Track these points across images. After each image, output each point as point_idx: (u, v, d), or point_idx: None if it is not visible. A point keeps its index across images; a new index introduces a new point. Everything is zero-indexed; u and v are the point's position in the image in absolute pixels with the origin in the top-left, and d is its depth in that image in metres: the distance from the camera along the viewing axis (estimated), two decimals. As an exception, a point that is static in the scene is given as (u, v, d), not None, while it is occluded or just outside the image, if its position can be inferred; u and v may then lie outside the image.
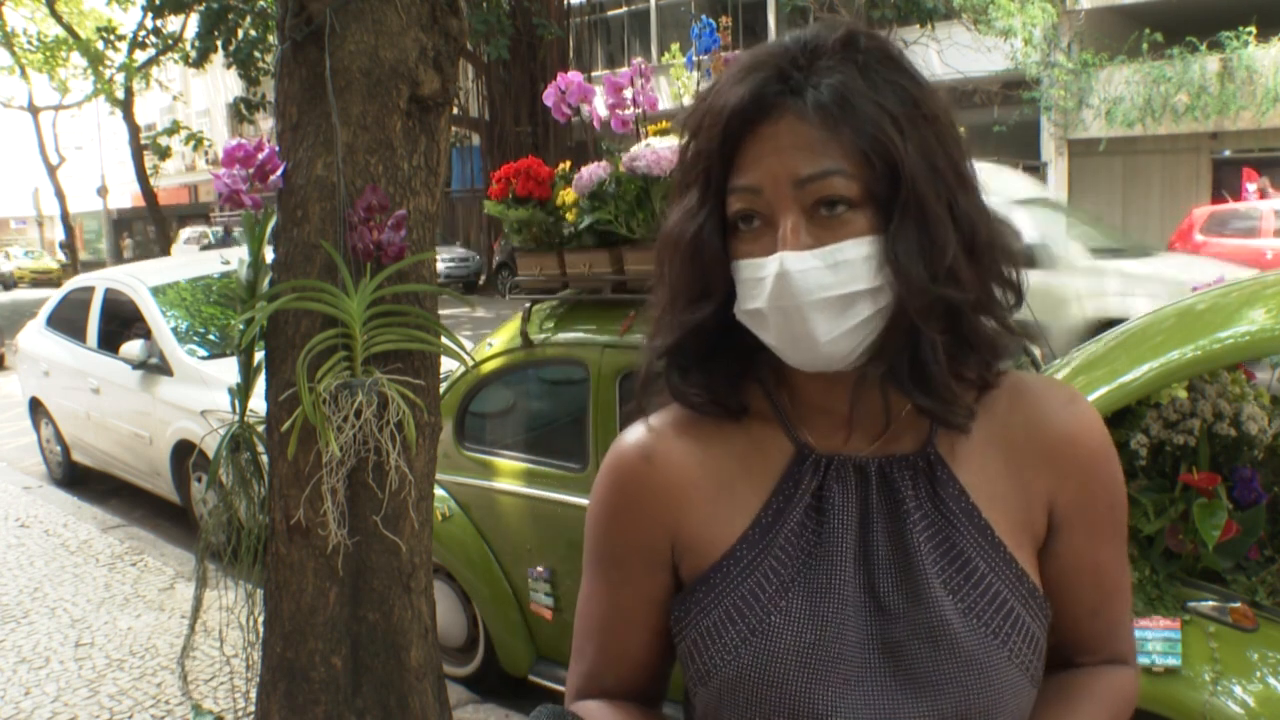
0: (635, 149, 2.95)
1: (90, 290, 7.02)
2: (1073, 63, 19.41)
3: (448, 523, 3.69)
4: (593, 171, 3.07)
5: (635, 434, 0.98)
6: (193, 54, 18.32)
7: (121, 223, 41.85)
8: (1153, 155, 19.67)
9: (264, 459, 2.67)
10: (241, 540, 2.64)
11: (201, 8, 17.53)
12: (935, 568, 0.89)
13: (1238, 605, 2.19)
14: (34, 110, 31.88)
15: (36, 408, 7.73)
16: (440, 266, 5.18)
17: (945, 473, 0.92)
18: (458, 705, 3.53)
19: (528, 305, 3.53)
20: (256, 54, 17.61)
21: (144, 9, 19.20)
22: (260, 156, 2.42)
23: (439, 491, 3.64)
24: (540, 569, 3.44)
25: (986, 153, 18.87)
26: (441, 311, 2.73)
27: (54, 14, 24.83)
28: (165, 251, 23.99)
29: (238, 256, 2.69)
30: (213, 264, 6.67)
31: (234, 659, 3.24)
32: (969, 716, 0.86)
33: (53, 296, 7.83)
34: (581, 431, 3.33)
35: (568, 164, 3.30)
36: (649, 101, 2.98)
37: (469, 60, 20.07)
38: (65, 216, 33.84)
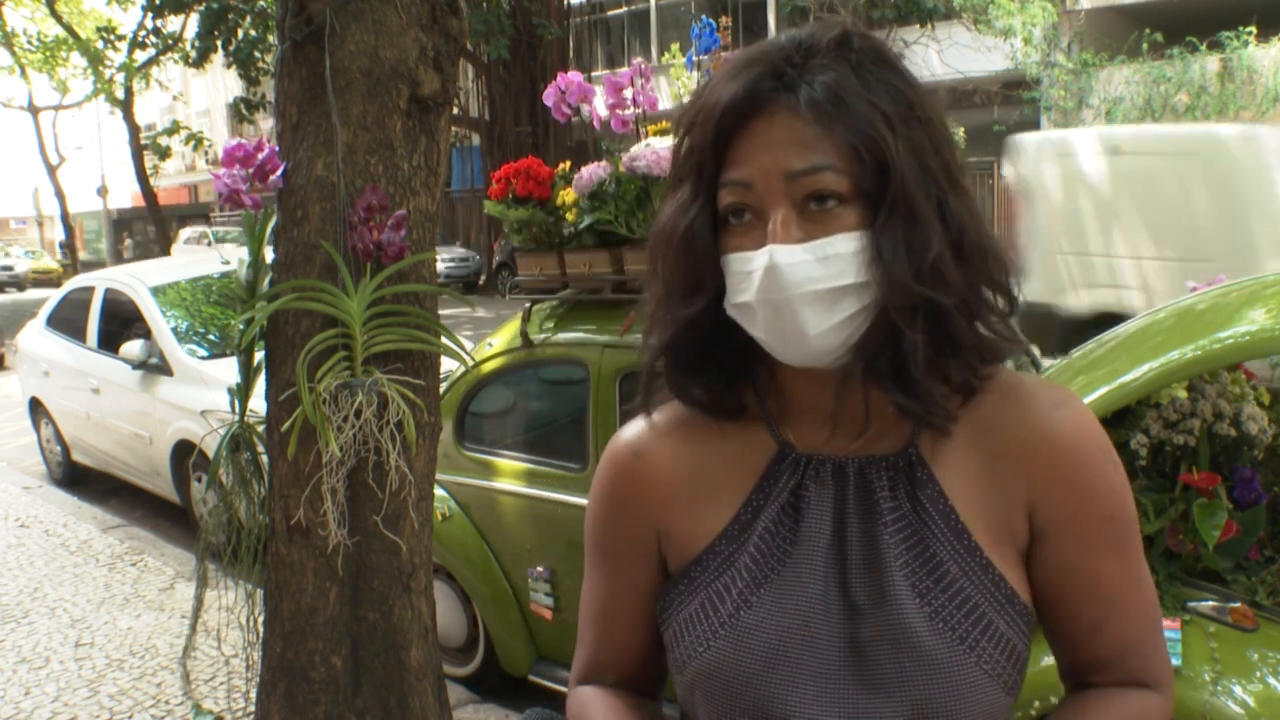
0: (635, 149, 2.95)
1: (90, 290, 7.02)
2: (1073, 63, 19.42)
3: (448, 523, 3.69)
4: (593, 171, 3.07)
5: (628, 431, 1.02)
6: (193, 54, 18.31)
7: (121, 223, 41.84)
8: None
9: (264, 459, 2.67)
10: (241, 540, 2.64)
11: (201, 8, 17.52)
12: (904, 569, 0.88)
13: (1238, 605, 2.19)
14: (34, 110, 31.88)
15: (36, 408, 7.73)
16: (440, 266, 5.18)
17: (925, 474, 0.91)
18: (458, 705, 3.53)
19: (528, 305, 3.53)
20: (256, 54, 17.60)
21: (144, 9, 19.19)
22: (260, 156, 2.42)
23: (439, 491, 3.64)
24: (540, 569, 3.44)
25: (986, 153, 18.92)
26: (441, 311, 2.73)
27: (54, 14, 24.82)
28: (165, 251, 23.99)
29: (238, 256, 2.69)
30: (213, 264, 6.67)
31: (234, 659, 3.24)
32: (930, 719, 0.85)
33: (53, 296, 7.83)
34: (581, 431, 3.33)
35: (568, 164, 3.30)
36: (649, 101, 2.98)
37: (469, 60, 20.07)
38: (65, 216, 33.84)
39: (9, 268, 32.47)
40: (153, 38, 22.36)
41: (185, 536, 5.85)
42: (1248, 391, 2.57)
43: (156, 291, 6.28)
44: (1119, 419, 2.49)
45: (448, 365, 2.92)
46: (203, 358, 5.87)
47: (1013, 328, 0.92)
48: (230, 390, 2.74)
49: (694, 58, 3.17)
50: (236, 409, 2.68)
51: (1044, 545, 0.92)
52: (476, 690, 3.80)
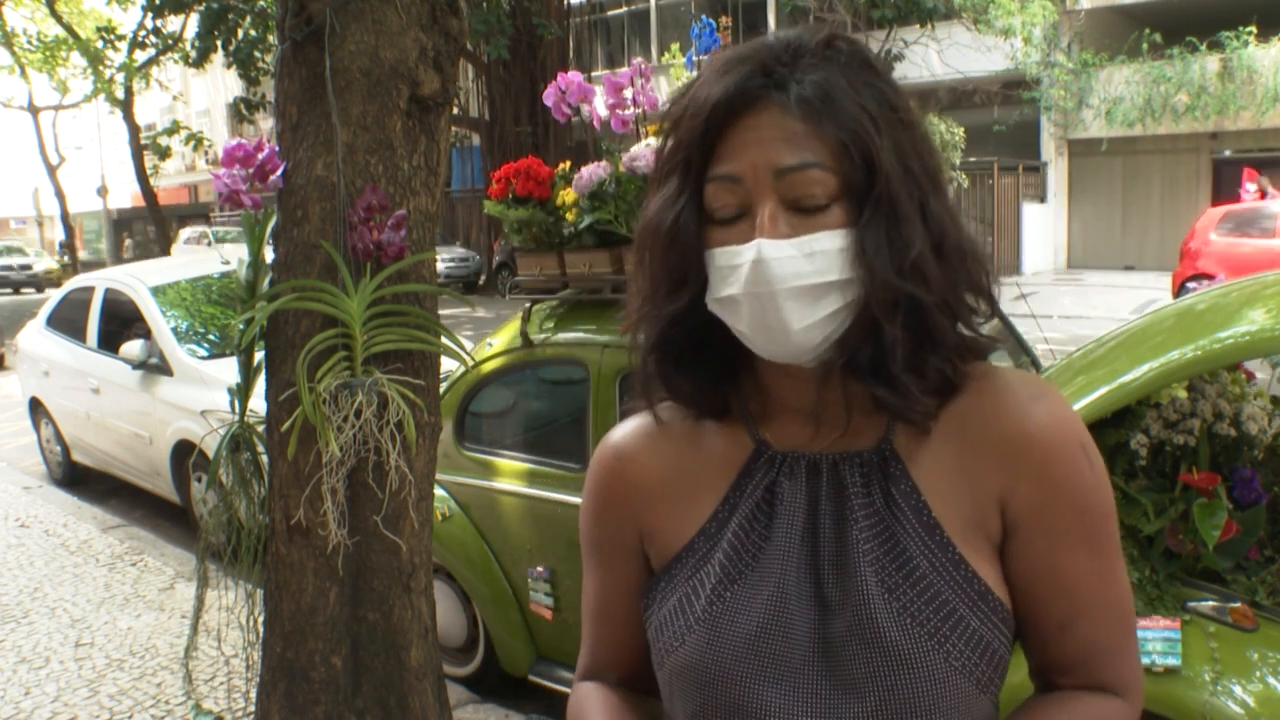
0: (635, 149, 2.95)
1: (90, 290, 7.02)
2: (1073, 63, 19.42)
3: (448, 523, 3.69)
4: (593, 171, 3.07)
5: (614, 434, 1.05)
6: (193, 54, 18.32)
7: (121, 223, 41.82)
8: (1153, 155, 19.67)
9: (264, 459, 2.67)
10: (241, 540, 2.64)
11: (201, 8, 17.53)
12: (874, 566, 0.88)
13: (1238, 605, 2.19)
14: (34, 110, 31.88)
15: (36, 408, 7.73)
16: (440, 266, 5.18)
17: (899, 469, 0.91)
18: (458, 705, 3.53)
19: (528, 305, 3.53)
20: (256, 54, 17.60)
21: (144, 9, 19.20)
22: (260, 156, 2.42)
23: (439, 491, 3.64)
24: (540, 569, 3.44)
25: (986, 153, 18.92)
26: (441, 311, 2.73)
27: (54, 14, 24.82)
28: (165, 251, 23.97)
29: (238, 256, 2.69)
30: (213, 264, 6.67)
31: (234, 659, 3.24)
32: (901, 717, 0.85)
33: (53, 296, 7.83)
34: (581, 431, 3.33)
35: (568, 164, 3.30)
36: (649, 101, 2.98)
37: (469, 60, 20.06)
38: (65, 216, 33.82)
39: (27, 266, 31.85)
40: (153, 38, 22.36)
41: (185, 536, 5.85)
42: (1248, 391, 2.57)
43: (156, 291, 6.28)
44: (1119, 419, 2.49)
45: (448, 365, 2.92)
46: (203, 358, 5.87)
47: (990, 329, 0.94)
48: (230, 390, 2.74)
49: (694, 58, 3.17)
50: (236, 409, 2.68)
51: (1015, 540, 0.91)
52: (476, 690, 3.80)
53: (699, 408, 0.99)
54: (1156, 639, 2.13)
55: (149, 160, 25.04)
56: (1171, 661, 2.11)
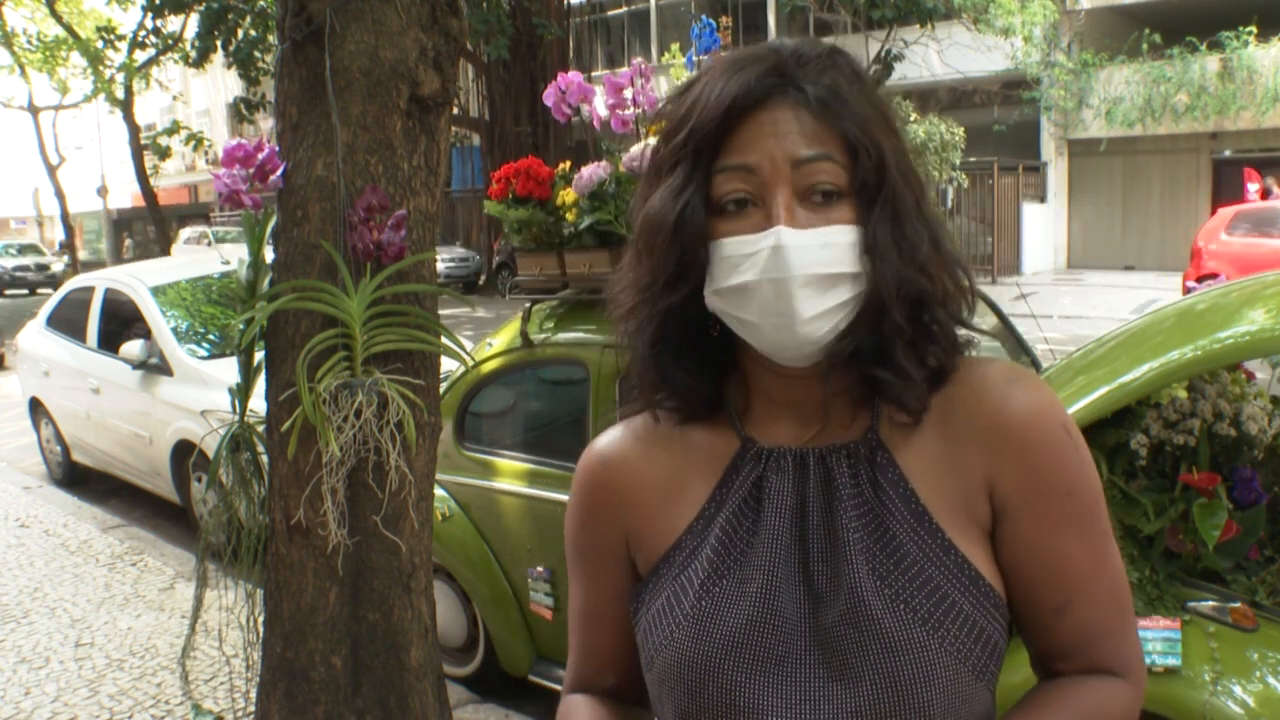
0: (635, 149, 2.95)
1: (90, 290, 7.01)
2: (1073, 63, 19.41)
3: (448, 523, 3.69)
4: (593, 171, 3.08)
5: (599, 441, 1.06)
6: (193, 54, 18.32)
7: (121, 223, 41.82)
8: (1153, 155, 19.67)
9: (264, 459, 2.68)
10: (241, 540, 2.64)
11: (201, 8, 17.53)
12: (865, 554, 0.89)
13: (1238, 605, 2.19)
14: (34, 110, 31.86)
15: (36, 408, 7.73)
16: (440, 266, 5.18)
17: (885, 458, 0.93)
18: (458, 705, 3.53)
19: (528, 305, 3.53)
20: (256, 54, 17.60)
21: (144, 9, 19.20)
22: (260, 156, 2.42)
23: (439, 491, 3.64)
24: (540, 569, 3.44)
25: (986, 153, 18.93)
26: (441, 311, 2.73)
27: (54, 14, 24.81)
28: (165, 251, 23.96)
29: (238, 256, 2.69)
30: (213, 264, 6.67)
31: (234, 659, 3.24)
32: (899, 706, 0.85)
33: (53, 296, 7.83)
34: (581, 431, 3.33)
35: (568, 164, 3.30)
36: (649, 101, 2.98)
37: (469, 60, 20.06)
38: (65, 216, 33.80)
39: (44, 266, 31.43)
40: (153, 38, 22.35)
41: (185, 536, 5.85)
42: (1248, 391, 2.57)
43: (156, 291, 6.28)
44: (1119, 419, 2.49)
45: (448, 365, 2.92)
46: (203, 358, 5.87)
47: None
48: (230, 390, 2.74)
49: (694, 58, 3.17)
50: (236, 409, 2.68)
51: (1005, 524, 0.92)
52: (476, 690, 3.80)
53: (693, 404, 0.99)
54: (1156, 639, 2.13)
55: (149, 160, 25.02)
56: (1171, 661, 2.11)
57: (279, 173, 2.45)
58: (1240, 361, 2.51)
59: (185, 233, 27.50)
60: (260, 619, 2.71)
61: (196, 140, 19.93)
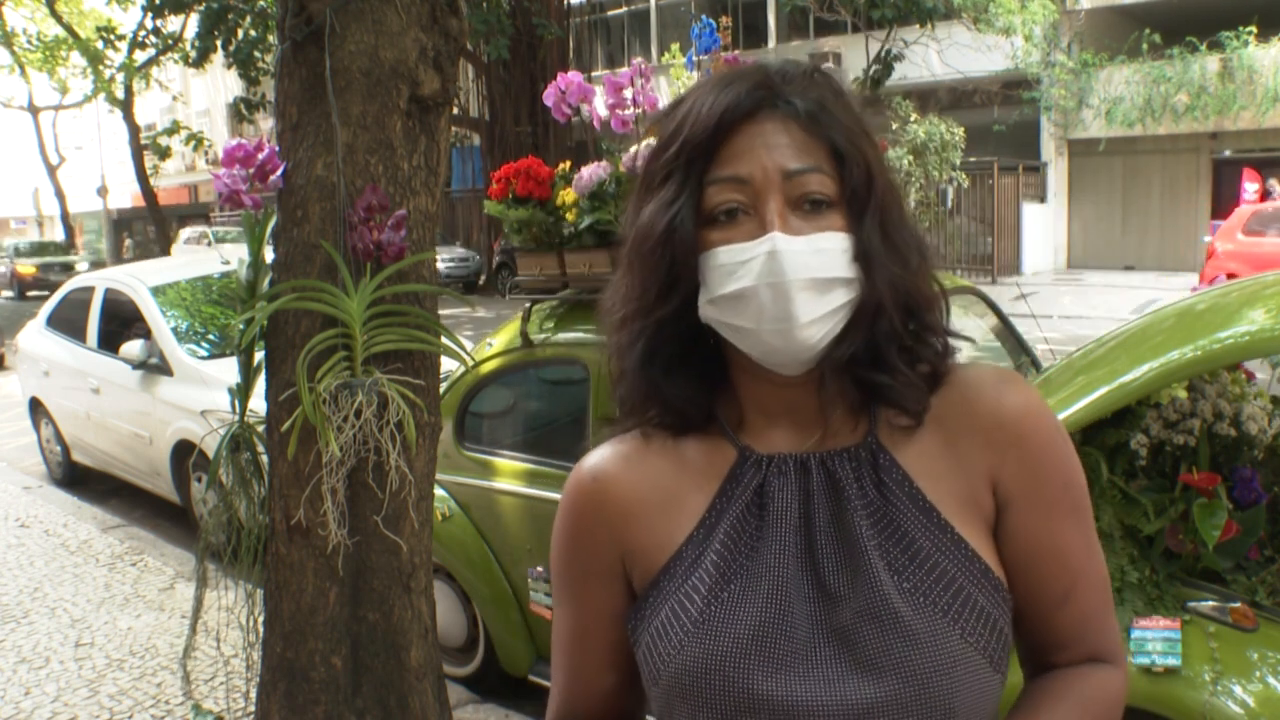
0: (635, 149, 2.95)
1: (90, 290, 7.01)
2: (1073, 62, 19.41)
3: (448, 523, 3.69)
4: (593, 171, 3.08)
5: (589, 459, 1.04)
6: (193, 54, 18.30)
7: (121, 223, 41.83)
8: (1153, 155, 19.67)
9: (264, 459, 2.68)
10: (241, 540, 2.64)
11: (201, 8, 17.52)
12: (879, 550, 0.90)
13: (1238, 605, 2.19)
14: (34, 110, 31.88)
15: (36, 408, 7.73)
16: (440, 266, 5.17)
17: (887, 459, 0.95)
18: (458, 705, 3.53)
19: (528, 305, 3.53)
20: (256, 54, 17.59)
21: (144, 9, 19.19)
22: (260, 156, 2.42)
23: (439, 491, 3.64)
24: (540, 569, 3.44)
25: (986, 153, 18.92)
26: (441, 311, 2.73)
27: (54, 14, 24.83)
28: (165, 251, 23.96)
29: (238, 256, 2.69)
30: (213, 264, 6.67)
31: (234, 659, 3.24)
32: (924, 696, 0.86)
33: (53, 296, 7.83)
34: (581, 431, 3.33)
35: (568, 164, 3.30)
36: (649, 101, 2.98)
37: (469, 60, 20.06)
38: (65, 216, 33.82)
39: (68, 266, 30.92)
40: (153, 38, 22.36)
41: (185, 536, 5.85)
42: (1248, 391, 2.57)
43: (156, 291, 6.27)
44: (1119, 419, 2.49)
45: (448, 365, 2.92)
46: (203, 358, 5.87)
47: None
48: (230, 390, 2.74)
49: (694, 58, 3.17)
50: (236, 409, 2.68)
51: (1009, 516, 0.95)
52: (476, 690, 3.80)
53: (687, 418, 0.99)
54: (1156, 639, 2.13)
55: (149, 160, 25.03)
56: (1171, 661, 2.11)
57: (279, 173, 2.45)
58: (1240, 361, 2.51)
59: (185, 233, 27.49)
60: (260, 619, 2.71)
61: (196, 140, 19.93)
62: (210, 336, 6.12)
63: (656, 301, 0.94)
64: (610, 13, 26.15)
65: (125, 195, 39.90)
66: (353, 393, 2.35)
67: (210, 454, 2.96)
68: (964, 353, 1.04)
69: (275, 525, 2.58)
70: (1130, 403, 2.40)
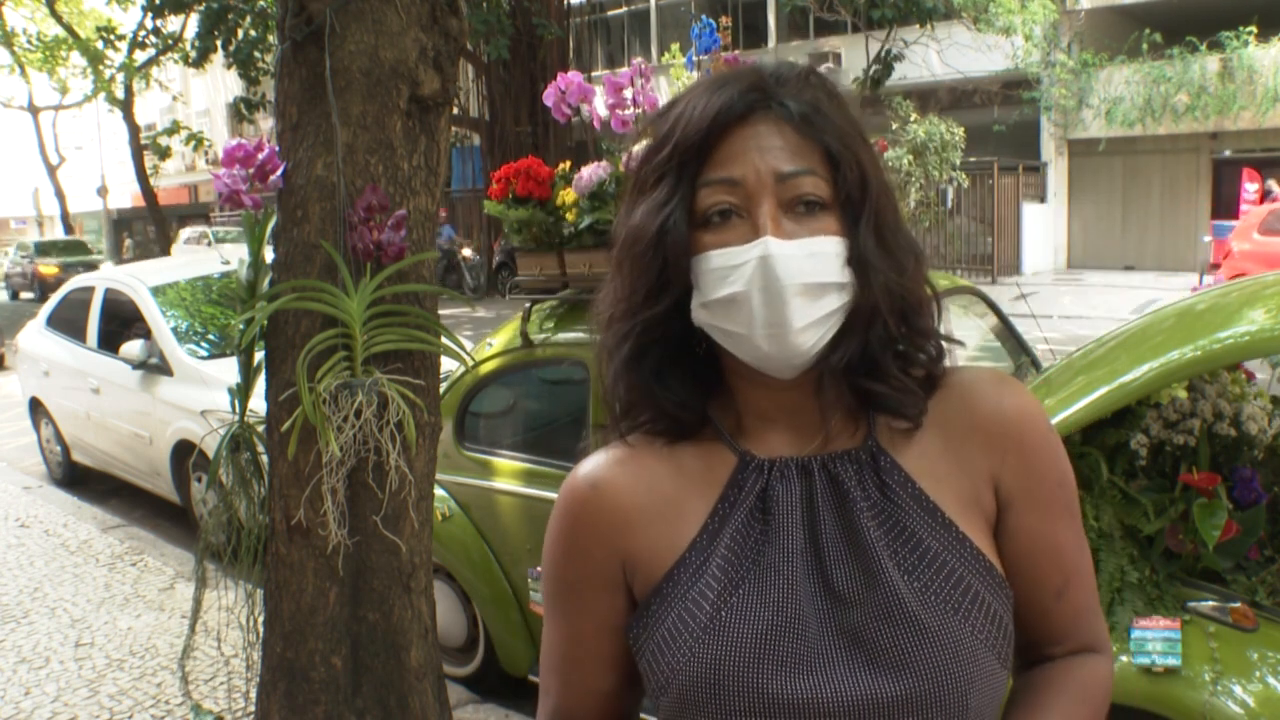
0: (635, 149, 2.94)
1: (90, 290, 7.02)
2: (1073, 62, 19.41)
3: (448, 523, 3.69)
4: (593, 172, 3.08)
5: (584, 466, 1.02)
6: (193, 54, 18.29)
7: (121, 223, 41.81)
8: (1153, 155, 19.67)
9: (264, 459, 2.68)
10: (241, 540, 2.64)
11: (201, 8, 17.51)
12: (888, 551, 0.91)
13: (1238, 605, 2.19)
14: (34, 110, 31.88)
15: (36, 408, 7.73)
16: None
17: (888, 461, 0.95)
18: (458, 705, 3.53)
19: (528, 305, 3.53)
20: (256, 54, 17.57)
21: (144, 9, 19.17)
22: (260, 156, 2.42)
23: (439, 491, 3.64)
24: (540, 569, 3.43)
25: (986, 153, 18.92)
26: (441, 311, 2.73)
27: (54, 14, 24.82)
28: (165, 251, 23.95)
29: (238, 256, 2.69)
30: (213, 264, 6.67)
31: (234, 659, 3.24)
32: (939, 693, 0.86)
33: (53, 296, 7.83)
34: (581, 431, 3.33)
35: (568, 164, 3.30)
36: (649, 101, 2.98)
37: (469, 60, 20.05)
38: (65, 216, 33.81)
39: (92, 266, 30.58)
40: (153, 38, 22.34)
41: (185, 536, 5.85)
42: (1248, 391, 2.57)
43: (156, 291, 6.27)
44: (1119, 419, 2.49)
45: (448, 365, 2.92)
46: (203, 358, 5.87)
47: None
48: (230, 390, 2.74)
49: (694, 58, 3.17)
50: (236, 409, 2.68)
51: (1010, 515, 0.96)
52: (476, 690, 3.80)
53: (681, 423, 0.98)
54: (1156, 639, 2.13)
55: (149, 160, 25.01)
56: (1171, 661, 2.11)
57: (279, 173, 2.45)
58: (1240, 361, 2.51)
59: (185, 233, 27.49)
60: (260, 619, 2.71)
61: (196, 140, 19.91)
62: (210, 336, 6.12)
63: (645, 302, 0.94)
64: (610, 13, 26.14)
65: (125, 195, 39.90)
66: (353, 393, 2.35)
67: (210, 454, 2.96)
68: (959, 355, 1.04)
69: (275, 525, 2.58)
70: (1130, 403, 2.40)
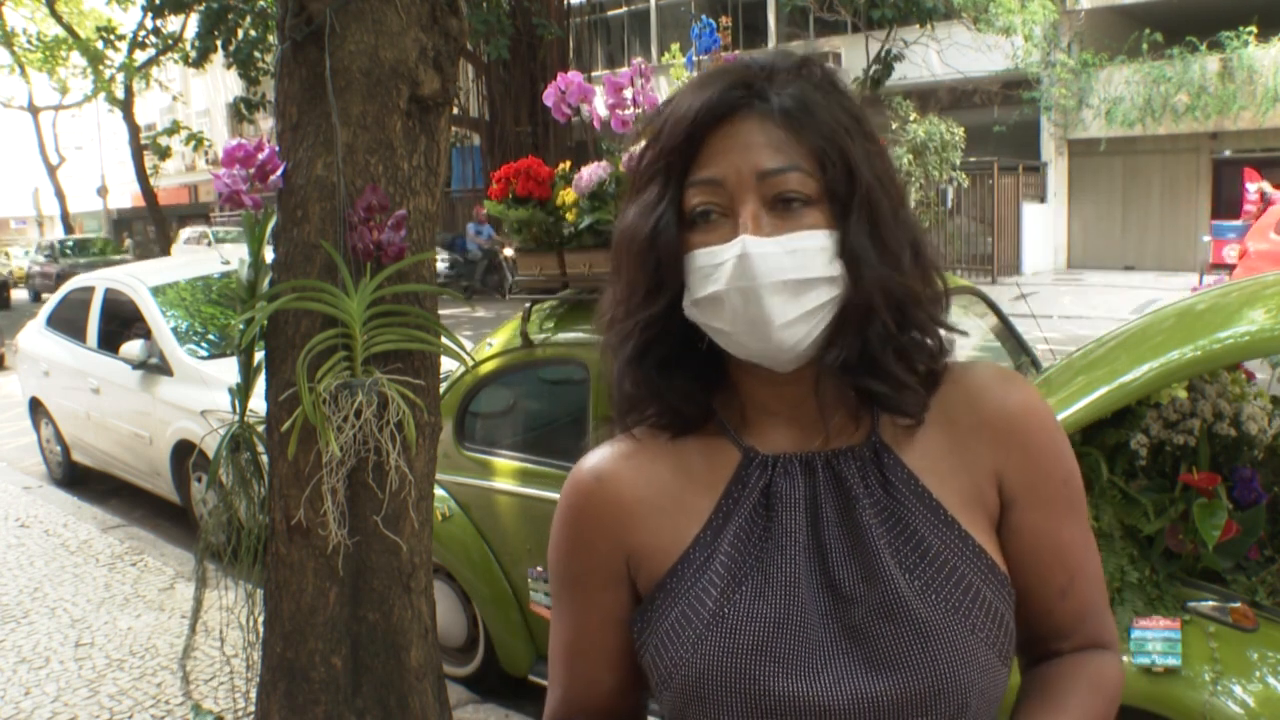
0: (635, 149, 2.95)
1: (90, 290, 7.01)
2: (1073, 62, 19.41)
3: (448, 523, 3.69)
4: (593, 172, 3.08)
5: (588, 460, 1.03)
6: (193, 54, 18.30)
7: (121, 223, 41.83)
8: (1153, 155, 19.67)
9: (264, 459, 2.68)
10: (241, 540, 2.64)
11: (201, 8, 17.52)
12: (889, 548, 0.91)
13: (1238, 605, 2.19)
14: (34, 110, 31.88)
15: (36, 408, 7.73)
16: (440, 266, 5.17)
17: (891, 458, 0.95)
18: (458, 705, 3.53)
19: (528, 305, 3.53)
20: (256, 54, 17.58)
21: (144, 9, 19.18)
22: (260, 156, 2.42)
23: (439, 491, 3.64)
24: (540, 569, 3.44)
25: (986, 153, 18.92)
26: (441, 311, 2.73)
27: (54, 14, 24.82)
28: (165, 251, 23.95)
29: (238, 256, 2.69)
30: (213, 264, 6.68)
31: (234, 659, 3.24)
32: (939, 692, 0.86)
33: (53, 296, 7.83)
34: (581, 431, 3.33)
35: (568, 164, 3.30)
36: (649, 101, 2.98)
37: (469, 60, 20.05)
38: (65, 216, 33.81)
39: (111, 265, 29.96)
40: (153, 38, 22.35)
41: (185, 536, 5.85)
42: (1248, 391, 2.57)
43: (156, 291, 6.28)
44: (1119, 419, 2.49)
45: (448, 365, 2.92)
46: (203, 358, 5.87)
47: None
48: (230, 390, 2.74)
49: (694, 58, 3.17)
50: (236, 409, 2.68)
51: (1014, 512, 0.96)
52: (476, 690, 3.80)
53: (685, 417, 0.98)
54: (1156, 639, 2.13)
55: (149, 160, 25.01)
56: (1171, 661, 2.11)
57: (279, 173, 2.45)
58: (1240, 361, 2.51)
59: (185, 233, 27.47)
60: (260, 619, 2.71)
61: (196, 140, 19.92)
62: (210, 336, 6.12)
63: (643, 302, 0.94)
64: (610, 13, 26.14)
65: (125, 195, 39.91)
66: (353, 393, 2.35)
67: (210, 454, 2.96)
68: (962, 349, 1.04)
69: (275, 525, 2.58)
70: (1130, 403, 2.40)
